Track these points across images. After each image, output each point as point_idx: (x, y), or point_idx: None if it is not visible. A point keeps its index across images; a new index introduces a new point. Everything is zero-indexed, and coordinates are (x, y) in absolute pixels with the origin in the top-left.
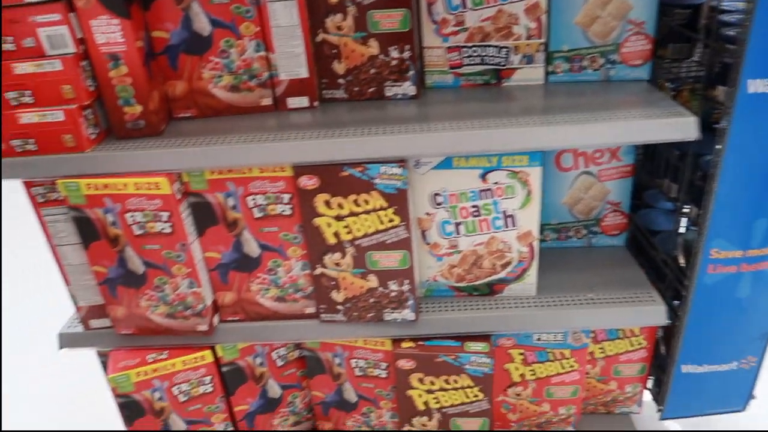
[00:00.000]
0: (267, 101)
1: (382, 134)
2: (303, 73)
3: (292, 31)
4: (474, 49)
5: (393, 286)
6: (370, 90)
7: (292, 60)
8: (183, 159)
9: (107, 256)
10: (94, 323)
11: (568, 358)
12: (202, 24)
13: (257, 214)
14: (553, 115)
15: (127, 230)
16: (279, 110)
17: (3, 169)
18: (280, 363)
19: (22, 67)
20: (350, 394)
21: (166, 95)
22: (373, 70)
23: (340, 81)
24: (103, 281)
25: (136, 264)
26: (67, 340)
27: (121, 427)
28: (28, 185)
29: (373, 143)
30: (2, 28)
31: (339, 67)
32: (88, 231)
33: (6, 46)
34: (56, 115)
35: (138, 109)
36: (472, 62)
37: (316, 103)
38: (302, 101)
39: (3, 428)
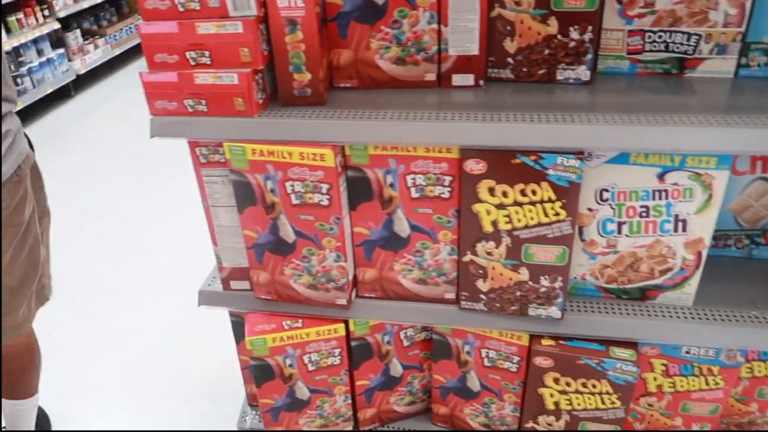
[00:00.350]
0: (431, 77)
1: (561, 122)
2: (473, 49)
3: (471, 4)
4: (659, 34)
5: (544, 281)
6: (540, 72)
7: (464, 35)
8: (349, 131)
9: (260, 221)
10: (235, 284)
11: (715, 375)
12: None
13: (414, 194)
14: (747, 115)
15: (285, 198)
16: (441, 87)
17: (174, 127)
18: (406, 343)
19: (205, 27)
20: (473, 383)
21: (330, 63)
22: (547, 51)
23: (509, 60)
24: (252, 246)
25: (288, 233)
26: (205, 298)
27: None
28: (193, 145)
29: (548, 131)
30: None
31: (510, 46)
32: (245, 195)
33: (192, 5)
34: (231, 77)
35: (307, 76)
36: (655, 49)
37: (481, 82)
38: (467, 79)
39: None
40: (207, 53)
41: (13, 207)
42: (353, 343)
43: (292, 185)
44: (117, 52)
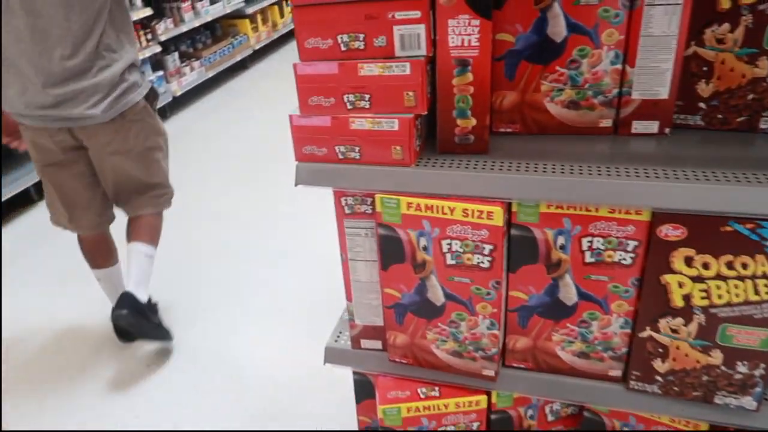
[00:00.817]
0: (606, 123)
1: None
2: (662, 93)
3: (665, 42)
4: None
5: (742, 368)
6: (739, 120)
7: (653, 77)
8: (522, 187)
9: (406, 281)
10: (365, 344)
11: None
12: (558, 28)
13: (589, 258)
14: None
15: (438, 258)
16: (618, 134)
17: (321, 175)
18: (550, 418)
19: (369, 68)
20: None
21: (492, 107)
22: (751, 96)
23: (701, 105)
24: (392, 305)
25: (437, 295)
26: (332, 356)
27: None
28: (339, 194)
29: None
30: (357, 24)
31: (704, 89)
32: (393, 252)
33: (356, 44)
34: (392, 123)
35: (472, 122)
36: None
37: (667, 130)
38: (650, 126)
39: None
40: (367, 96)
41: (116, 141)
42: (493, 416)
43: (449, 244)
44: (210, 74)
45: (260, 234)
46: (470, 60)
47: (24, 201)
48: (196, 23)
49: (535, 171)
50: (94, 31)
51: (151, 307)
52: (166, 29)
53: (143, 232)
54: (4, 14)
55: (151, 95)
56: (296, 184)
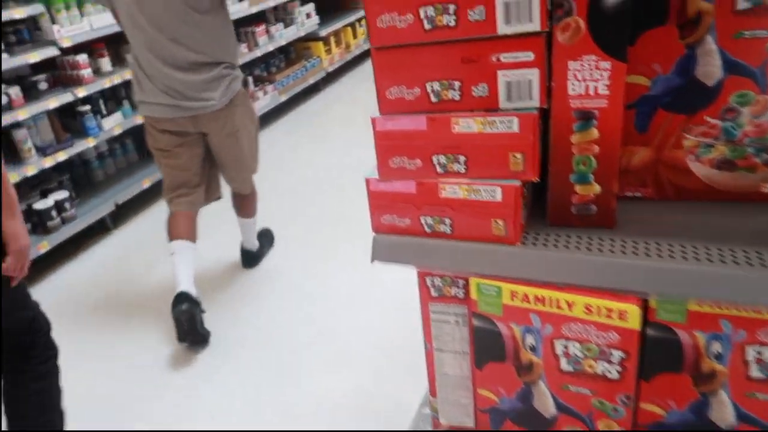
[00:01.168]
0: None
1: None
2: None
3: None
4: None
5: None
6: None
7: None
8: (664, 277)
9: (506, 383)
10: None
11: None
12: (711, 68)
13: (756, 373)
14: None
15: (550, 361)
16: None
17: (404, 251)
18: None
19: (466, 124)
20: None
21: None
22: None
23: None
24: (488, 410)
25: (547, 405)
26: None
27: None
28: (424, 274)
29: None
30: (452, 69)
31: None
32: (490, 347)
33: (450, 94)
34: (492, 192)
35: (594, 189)
36: None
37: None
38: None
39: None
40: (462, 158)
41: (229, 124)
42: None
43: (565, 345)
44: (283, 98)
45: (330, 269)
46: (596, 112)
47: (100, 229)
48: (271, 47)
49: (684, 256)
50: (200, 35)
51: (263, 243)
52: (240, 54)
53: (249, 211)
54: (133, 28)
55: (245, 83)
56: (372, 260)
